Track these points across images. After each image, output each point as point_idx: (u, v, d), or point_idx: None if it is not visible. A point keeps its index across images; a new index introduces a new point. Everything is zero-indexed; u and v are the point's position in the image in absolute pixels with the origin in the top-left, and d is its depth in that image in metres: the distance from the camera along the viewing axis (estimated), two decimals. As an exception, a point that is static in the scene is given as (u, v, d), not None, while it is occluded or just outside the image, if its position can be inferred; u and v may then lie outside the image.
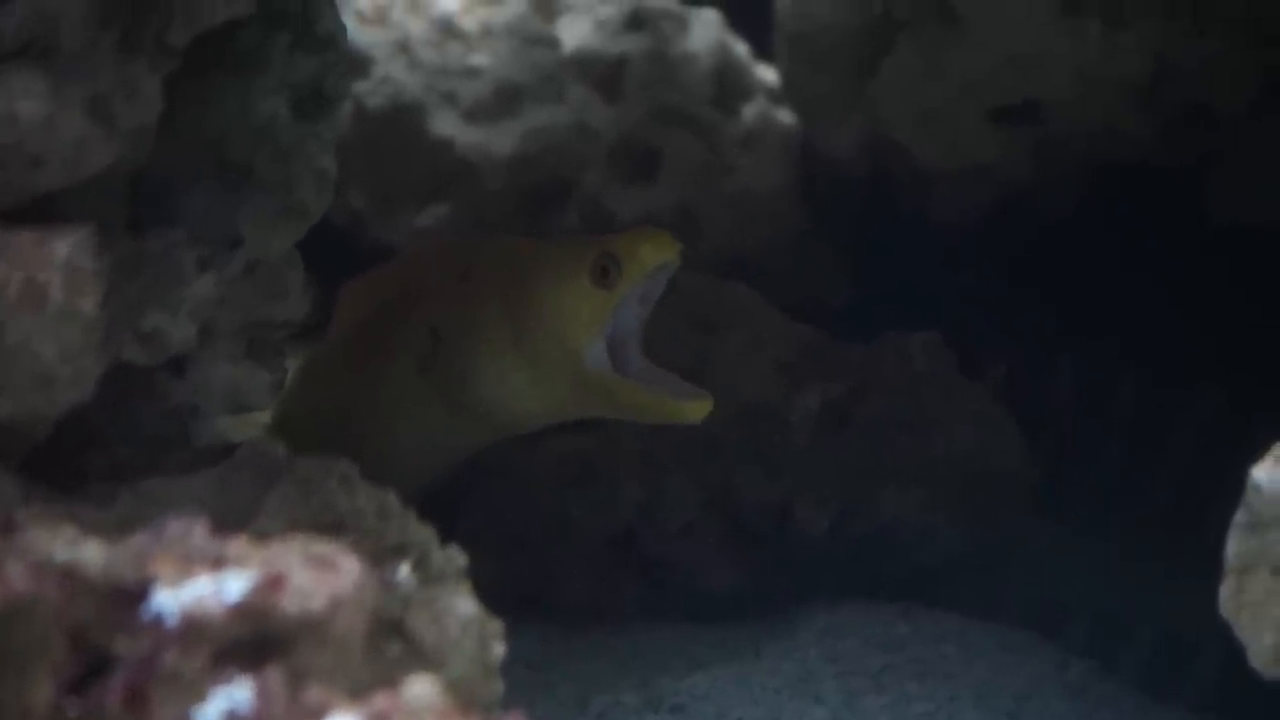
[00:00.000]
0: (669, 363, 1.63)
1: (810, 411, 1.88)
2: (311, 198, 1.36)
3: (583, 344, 1.59)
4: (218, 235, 1.31)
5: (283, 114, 1.35)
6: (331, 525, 1.15)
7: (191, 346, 1.31)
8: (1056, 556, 1.98)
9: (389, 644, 1.06)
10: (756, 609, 1.86)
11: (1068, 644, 1.80)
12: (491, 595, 1.13)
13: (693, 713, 1.67)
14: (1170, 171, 2.16)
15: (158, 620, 0.96)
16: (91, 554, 0.99)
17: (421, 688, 0.96)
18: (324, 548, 1.00)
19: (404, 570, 1.11)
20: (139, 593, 0.97)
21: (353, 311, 1.80)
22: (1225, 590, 1.16)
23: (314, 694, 0.95)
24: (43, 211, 1.14)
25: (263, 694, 0.94)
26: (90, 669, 0.97)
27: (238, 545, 1.00)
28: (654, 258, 1.59)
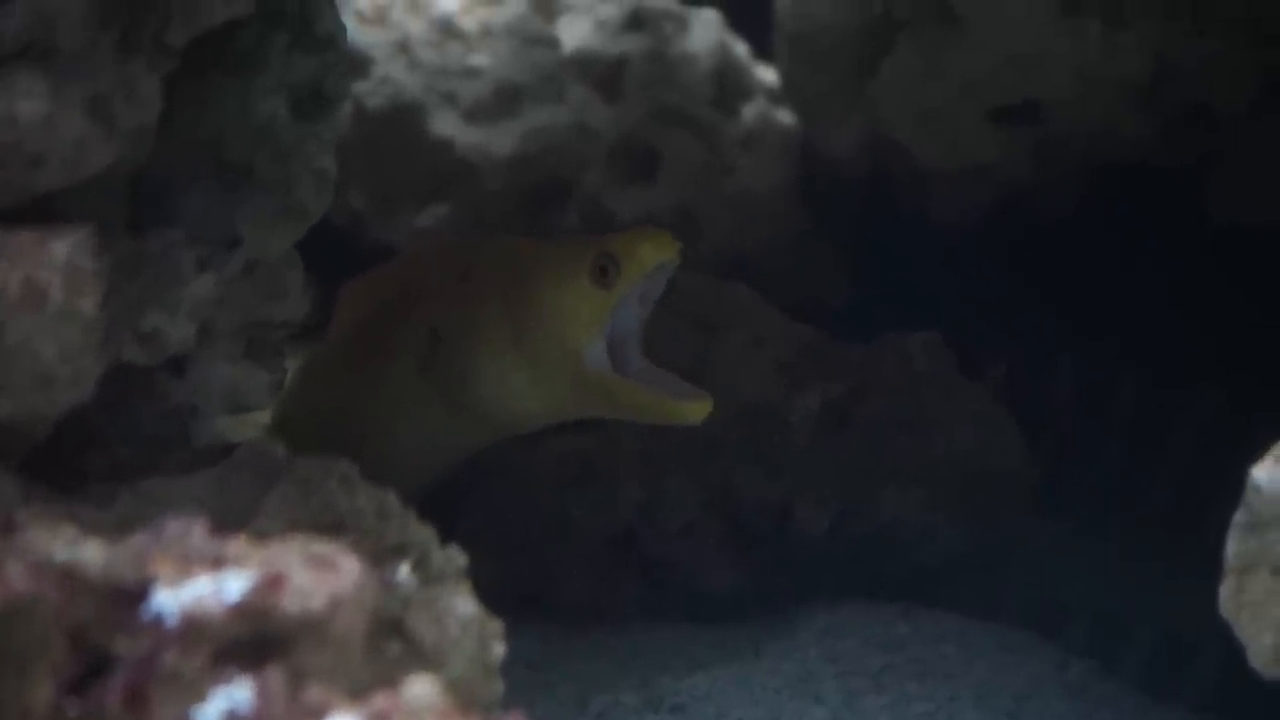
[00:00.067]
0: (669, 363, 1.63)
1: (810, 411, 1.88)
2: (311, 198, 1.36)
3: (582, 344, 1.59)
4: (217, 235, 1.31)
5: (282, 114, 1.35)
6: (331, 525, 1.15)
7: (191, 346, 1.31)
8: (1056, 556, 1.98)
9: (389, 644, 1.06)
10: (756, 609, 1.86)
11: (1068, 644, 1.80)
12: (491, 595, 1.13)
13: (693, 713, 1.67)
14: (1170, 171, 2.16)
15: (158, 620, 0.96)
16: (91, 554, 0.99)
17: (421, 688, 0.96)
18: (324, 548, 1.00)
19: (404, 570, 1.11)
20: (139, 593, 0.97)
21: (353, 311, 1.80)
22: (1225, 590, 1.16)
23: (314, 694, 0.95)
24: (43, 211, 1.14)
25: (263, 694, 0.94)
26: (90, 669, 0.97)
27: (237, 545, 1.00)
28: (653, 257, 1.59)
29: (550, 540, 1.86)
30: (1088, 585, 1.94)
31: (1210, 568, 1.19)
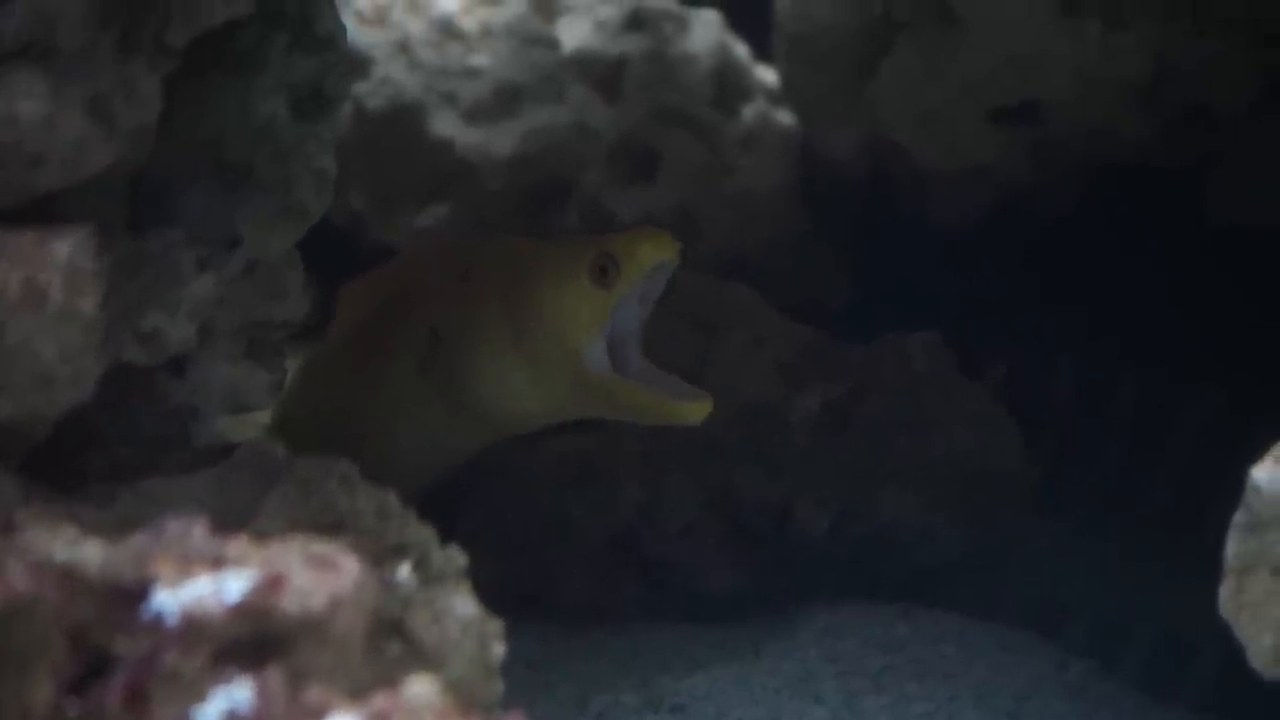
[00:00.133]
0: (669, 363, 1.63)
1: (810, 412, 1.88)
2: (311, 198, 1.36)
3: (582, 344, 1.59)
4: (217, 235, 1.31)
5: (282, 114, 1.35)
6: (331, 525, 1.15)
7: (191, 347, 1.31)
8: (1056, 556, 1.98)
9: (389, 644, 1.06)
10: (756, 609, 1.86)
11: (1068, 644, 1.80)
12: (491, 595, 1.13)
13: (693, 713, 1.67)
14: (1170, 172, 2.16)
15: (158, 620, 0.96)
16: (91, 554, 0.99)
17: (421, 688, 0.96)
18: (324, 548, 1.00)
19: (404, 570, 1.11)
20: (139, 593, 0.97)
21: (353, 311, 1.80)
22: (1225, 590, 1.16)
23: (314, 694, 0.95)
24: (43, 211, 1.14)
25: (263, 694, 0.94)
26: (90, 669, 0.97)
27: (237, 545, 1.00)
28: (652, 257, 1.59)
29: (550, 540, 1.86)
30: (1088, 585, 1.94)
31: (1210, 568, 1.19)
